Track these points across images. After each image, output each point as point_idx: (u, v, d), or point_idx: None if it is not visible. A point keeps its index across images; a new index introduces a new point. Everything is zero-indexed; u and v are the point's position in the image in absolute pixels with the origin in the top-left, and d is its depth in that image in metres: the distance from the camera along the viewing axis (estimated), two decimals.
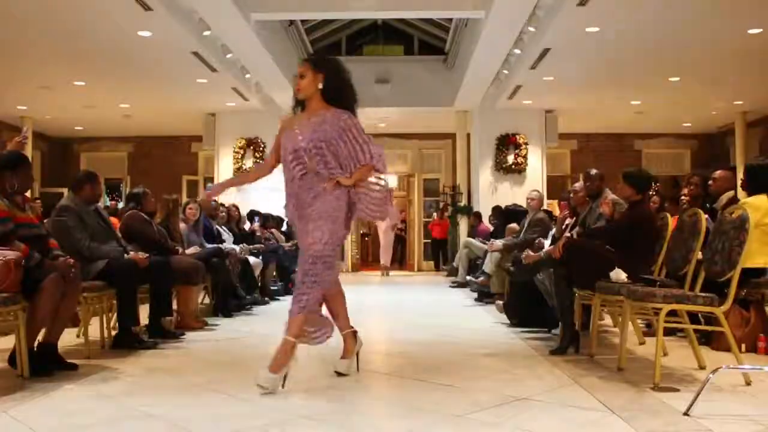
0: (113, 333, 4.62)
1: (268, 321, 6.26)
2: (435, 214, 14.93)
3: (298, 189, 3.46)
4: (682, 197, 5.84)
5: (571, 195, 5.72)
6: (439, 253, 14.74)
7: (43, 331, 3.68)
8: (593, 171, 5.29)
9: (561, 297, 4.43)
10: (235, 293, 6.68)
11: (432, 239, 14.83)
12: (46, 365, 3.57)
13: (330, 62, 3.59)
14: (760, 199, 3.97)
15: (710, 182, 5.00)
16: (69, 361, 3.77)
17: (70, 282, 3.68)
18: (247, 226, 8.98)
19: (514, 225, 8.17)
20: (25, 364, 3.48)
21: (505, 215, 9.01)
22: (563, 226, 5.82)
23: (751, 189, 4.19)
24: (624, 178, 4.41)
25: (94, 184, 4.63)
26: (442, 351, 4.57)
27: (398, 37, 13.26)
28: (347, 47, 13.18)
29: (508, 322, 5.69)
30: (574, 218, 5.59)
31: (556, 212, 8.30)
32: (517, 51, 9.21)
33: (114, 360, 4.03)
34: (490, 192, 12.32)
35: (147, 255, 4.71)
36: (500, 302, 6.11)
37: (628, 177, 4.40)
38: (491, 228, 10.20)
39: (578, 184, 5.58)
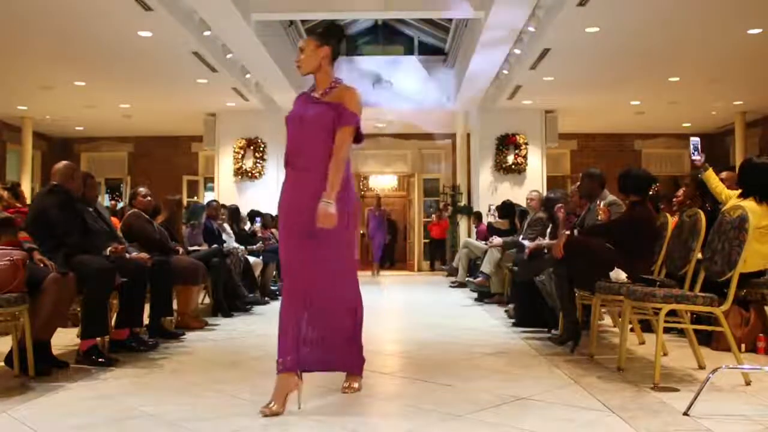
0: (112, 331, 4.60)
1: (268, 321, 6.26)
2: (434, 214, 14.92)
3: None
4: (674, 198, 5.85)
5: (571, 196, 5.75)
6: (437, 253, 14.74)
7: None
8: (591, 170, 5.30)
9: (562, 295, 4.43)
10: (236, 293, 6.68)
11: (431, 239, 14.84)
12: (39, 363, 3.55)
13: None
14: (752, 203, 3.96)
15: None
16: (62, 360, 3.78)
17: (67, 283, 3.68)
18: (247, 226, 8.96)
19: (502, 221, 8.17)
20: (31, 364, 3.48)
21: (508, 209, 8.92)
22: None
23: (742, 186, 4.18)
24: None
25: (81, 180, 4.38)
26: (442, 351, 4.57)
27: (398, 37, 13.27)
28: (347, 47, 13.19)
29: (508, 322, 5.70)
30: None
31: None
32: (517, 51, 9.22)
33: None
34: (490, 192, 12.31)
35: (149, 257, 4.72)
36: (511, 305, 6.09)
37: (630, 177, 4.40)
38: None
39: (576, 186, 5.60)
